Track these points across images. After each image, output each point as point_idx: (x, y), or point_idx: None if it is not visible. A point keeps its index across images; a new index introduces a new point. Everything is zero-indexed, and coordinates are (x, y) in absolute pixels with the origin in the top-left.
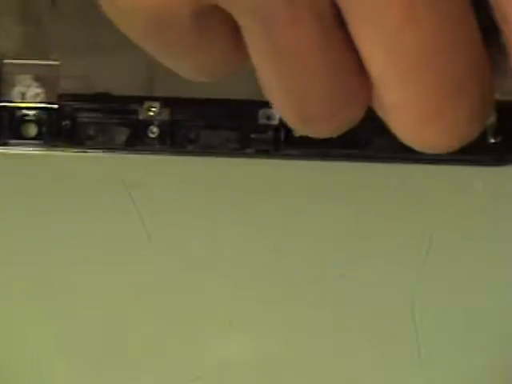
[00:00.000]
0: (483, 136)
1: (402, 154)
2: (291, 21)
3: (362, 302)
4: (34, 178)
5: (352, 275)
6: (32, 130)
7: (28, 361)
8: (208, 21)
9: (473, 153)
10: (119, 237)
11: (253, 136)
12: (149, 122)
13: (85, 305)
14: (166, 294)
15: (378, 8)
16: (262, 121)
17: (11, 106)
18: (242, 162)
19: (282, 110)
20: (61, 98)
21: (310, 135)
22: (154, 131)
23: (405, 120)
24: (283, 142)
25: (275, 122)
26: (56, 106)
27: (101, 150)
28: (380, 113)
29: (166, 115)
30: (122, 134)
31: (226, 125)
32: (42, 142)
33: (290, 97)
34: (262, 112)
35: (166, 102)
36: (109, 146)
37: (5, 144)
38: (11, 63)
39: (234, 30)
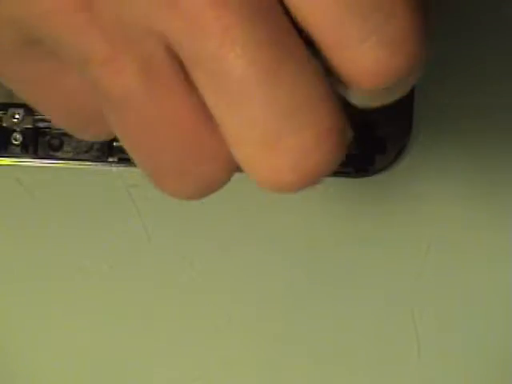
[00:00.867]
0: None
1: None
2: (112, 66)
3: (362, 302)
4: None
5: (352, 275)
6: None
7: (28, 361)
8: (34, 51)
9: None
10: (119, 237)
11: (115, 144)
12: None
13: (84, 305)
14: (166, 294)
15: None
16: None
17: None
18: None
19: (137, 163)
20: None
21: (169, 195)
22: (17, 138)
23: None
24: None
25: None
26: None
27: None
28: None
29: (29, 122)
30: None
31: None
32: None
33: (133, 149)
34: None
35: (30, 109)
36: None
37: None
38: None
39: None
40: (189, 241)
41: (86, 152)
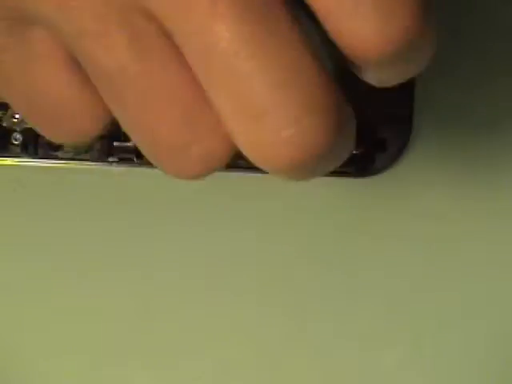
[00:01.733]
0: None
1: None
2: (104, 41)
3: (362, 302)
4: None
5: (352, 275)
6: None
7: (28, 361)
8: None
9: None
10: (119, 237)
11: (116, 144)
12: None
13: (84, 305)
14: (166, 295)
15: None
16: None
17: None
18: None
19: (137, 144)
20: None
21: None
22: (17, 138)
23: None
24: None
25: None
26: None
27: None
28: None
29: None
30: None
31: None
32: None
33: (131, 128)
34: None
35: None
36: None
37: None
38: None
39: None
40: (189, 241)
41: (86, 152)
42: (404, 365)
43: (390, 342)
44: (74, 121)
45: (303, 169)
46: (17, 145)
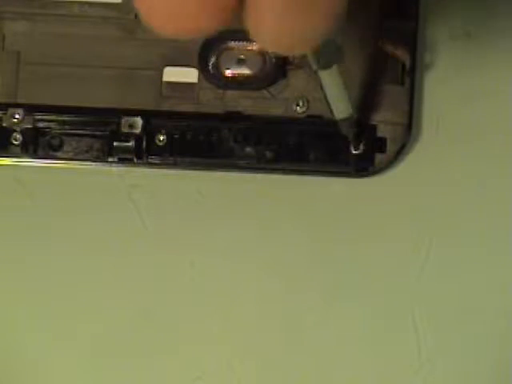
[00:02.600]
0: (346, 148)
1: (264, 164)
2: None
3: (362, 302)
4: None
5: (352, 275)
6: None
7: (28, 361)
8: None
9: (336, 164)
10: (119, 237)
11: (116, 144)
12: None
13: (84, 304)
14: (165, 294)
15: None
16: (125, 129)
17: None
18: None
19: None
20: None
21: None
22: (17, 138)
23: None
24: (145, 151)
25: (137, 130)
26: None
27: None
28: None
29: (29, 122)
30: None
31: (89, 133)
32: None
33: None
34: (124, 120)
35: (29, 109)
36: None
37: None
38: None
39: None
40: (189, 240)
41: (86, 152)
42: (404, 365)
43: (390, 342)
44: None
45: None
46: (17, 145)
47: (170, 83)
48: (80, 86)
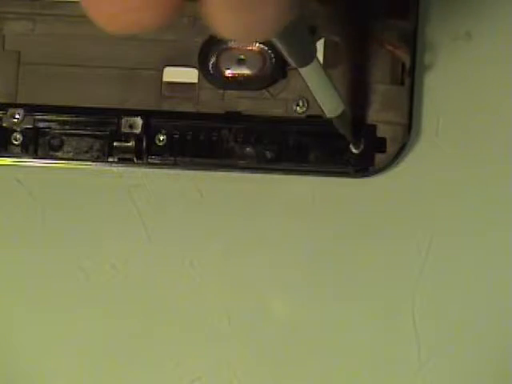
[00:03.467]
0: (346, 148)
1: (264, 164)
2: None
3: (362, 302)
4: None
5: (352, 275)
6: None
7: (28, 361)
8: None
9: (336, 164)
10: (119, 237)
11: (116, 144)
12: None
13: (84, 304)
14: (165, 294)
15: None
16: (125, 129)
17: None
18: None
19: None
20: None
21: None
22: (17, 138)
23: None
24: (145, 151)
25: (137, 130)
26: None
27: None
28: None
29: (29, 122)
30: None
31: (89, 133)
32: None
33: None
34: (124, 120)
35: (29, 109)
36: None
37: None
38: None
39: None
40: (189, 241)
41: (86, 152)
42: (404, 365)
43: (390, 342)
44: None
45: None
46: (17, 145)
47: (170, 83)
48: (80, 85)
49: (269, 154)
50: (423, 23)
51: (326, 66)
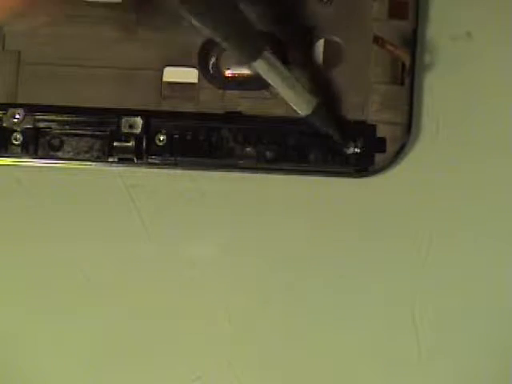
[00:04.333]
0: (344, 148)
1: (264, 164)
2: None
3: (362, 302)
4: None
5: (352, 275)
6: None
7: (28, 361)
8: None
9: (336, 164)
10: (119, 236)
11: (116, 144)
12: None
13: (84, 304)
14: (165, 294)
15: None
16: (125, 129)
17: None
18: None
19: None
20: None
21: None
22: (17, 138)
23: None
24: (145, 151)
25: (137, 130)
26: None
27: None
28: None
29: (29, 122)
30: None
31: (89, 133)
32: None
33: None
34: (124, 120)
35: (30, 109)
36: None
37: None
38: None
39: None
40: (188, 240)
41: (86, 152)
42: (404, 365)
43: (390, 342)
44: None
45: None
46: (17, 145)
47: (170, 83)
48: (80, 85)
49: (269, 154)
50: (423, 23)
51: (326, 66)
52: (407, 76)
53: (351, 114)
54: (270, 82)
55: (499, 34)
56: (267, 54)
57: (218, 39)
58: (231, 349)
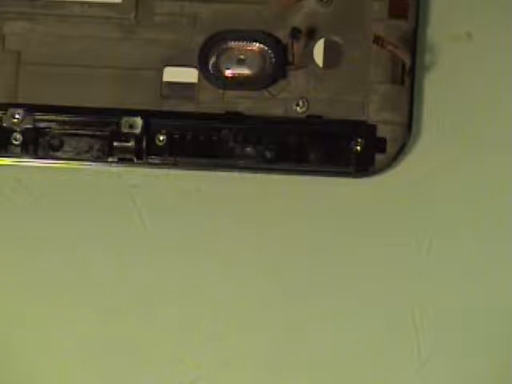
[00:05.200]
0: (346, 148)
1: (264, 164)
2: None
3: (362, 302)
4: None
5: (352, 275)
6: None
7: (28, 360)
8: None
9: (336, 164)
10: (119, 236)
11: (116, 144)
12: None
13: (84, 304)
14: (165, 294)
15: None
16: (125, 129)
17: None
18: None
19: None
20: None
21: None
22: (17, 138)
23: None
24: (145, 151)
25: (137, 130)
26: None
27: None
28: None
29: (29, 122)
30: None
31: (89, 133)
32: None
33: None
34: (124, 120)
35: (30, 109)
36: None
37: None
38: None
39: None
40: (188, 240)
41: (86, 152)
42: (405, 365)
43: (390, 342)
44: None
45: None
46: (17, 145)
47: (170, 83)
48: (80, 85)
49: (269, 154)
50: (423, 23)
51: (326, 66)
52: (407, 76)
53: (351, 114)
54: None
55: (499, 35)
56: None
57: None
58: (231, 349)
